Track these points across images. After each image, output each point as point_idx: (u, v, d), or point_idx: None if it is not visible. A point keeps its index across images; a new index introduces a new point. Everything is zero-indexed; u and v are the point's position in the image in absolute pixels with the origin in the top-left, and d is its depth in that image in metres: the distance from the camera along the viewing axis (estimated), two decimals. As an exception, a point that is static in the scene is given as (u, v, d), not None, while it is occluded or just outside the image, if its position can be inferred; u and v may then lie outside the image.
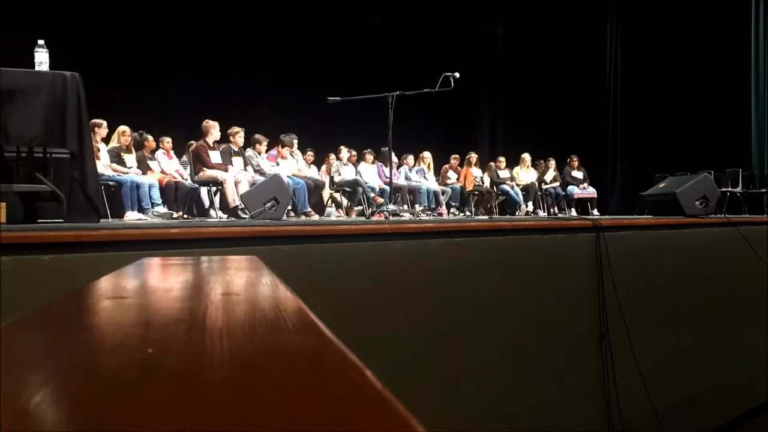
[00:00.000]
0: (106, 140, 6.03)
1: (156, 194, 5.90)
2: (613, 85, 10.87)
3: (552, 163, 9.33)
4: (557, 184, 9.20)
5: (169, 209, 6.09)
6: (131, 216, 5.58)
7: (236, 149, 6.31)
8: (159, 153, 6.60)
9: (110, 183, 5.67)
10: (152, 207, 5.81)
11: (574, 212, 8.98)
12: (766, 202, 8.00)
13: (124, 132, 6.09)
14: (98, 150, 5.63)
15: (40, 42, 3.29)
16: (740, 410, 4.62)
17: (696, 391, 4.29)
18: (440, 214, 8.17)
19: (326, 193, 7.79)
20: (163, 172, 6.45)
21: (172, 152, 6.77)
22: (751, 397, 4.72)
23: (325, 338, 0.37)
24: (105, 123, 5.85)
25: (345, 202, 7.85)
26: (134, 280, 0.80)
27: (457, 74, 4.81)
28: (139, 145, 6.42)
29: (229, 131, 6.24)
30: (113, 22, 7.51)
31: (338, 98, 4.58)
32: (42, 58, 3.28)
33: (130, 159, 6.12)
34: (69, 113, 3.15)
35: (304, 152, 7.68)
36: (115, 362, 0.33)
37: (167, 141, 6.71)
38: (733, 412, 4.58)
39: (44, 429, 0.23)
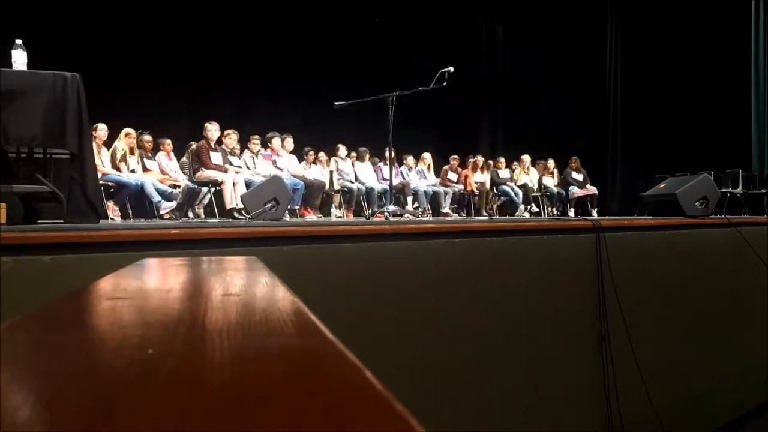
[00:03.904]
0: (107, 144, 6.03)
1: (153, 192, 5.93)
2: (613, 85, 10.87)
3: (551, 164, 9.33)
4: (556, 186, 9.21)
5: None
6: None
7: (229, 150, 6.32)
8: (160, 154, 6.62)
9: (110, 184, 5.68)
10: (162, 204, 5.84)
11: (572, 213, 8.98)
12: (766, 203, 8.00)
13: (128, 134, 6.09)
14: (99, 152, 5.65)
15: (18, 41, 3.25)
16: (740, 410, 4.62)
17: (696, 391, 4.29)
18: (435, 215, 8.19)
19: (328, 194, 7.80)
20: (163, 172, 6.46)
21: (172, 154, 6.79)
22: (751, 397, 4.72)
23: (325, 339, 0.37)
24: (105, 126, 5.87)
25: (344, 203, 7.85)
26: (134, 281, 0.80)
27: (451, 68, 4.82)
28: (138, 145, 6.44)
29: (221, 132, 6.25)
30: (114, 23, 7.51)
31: (344, 102, 4.64)
32: (19, 58, 3.24)
33: (132, 161, 6.13)
34: (69, 114, 3.15)
35: (305, 153, 7.70)
36: (116, 363, 0.33)
37: (168, 143, 6.72)
38: (733, 413, 4.57)
39: (44, 429, 0.23)
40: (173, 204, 5.92)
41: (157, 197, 5.87)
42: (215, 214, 6.00)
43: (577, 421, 3.64)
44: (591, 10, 10.73)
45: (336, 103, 4.65)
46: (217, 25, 8.38)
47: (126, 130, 6.11)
